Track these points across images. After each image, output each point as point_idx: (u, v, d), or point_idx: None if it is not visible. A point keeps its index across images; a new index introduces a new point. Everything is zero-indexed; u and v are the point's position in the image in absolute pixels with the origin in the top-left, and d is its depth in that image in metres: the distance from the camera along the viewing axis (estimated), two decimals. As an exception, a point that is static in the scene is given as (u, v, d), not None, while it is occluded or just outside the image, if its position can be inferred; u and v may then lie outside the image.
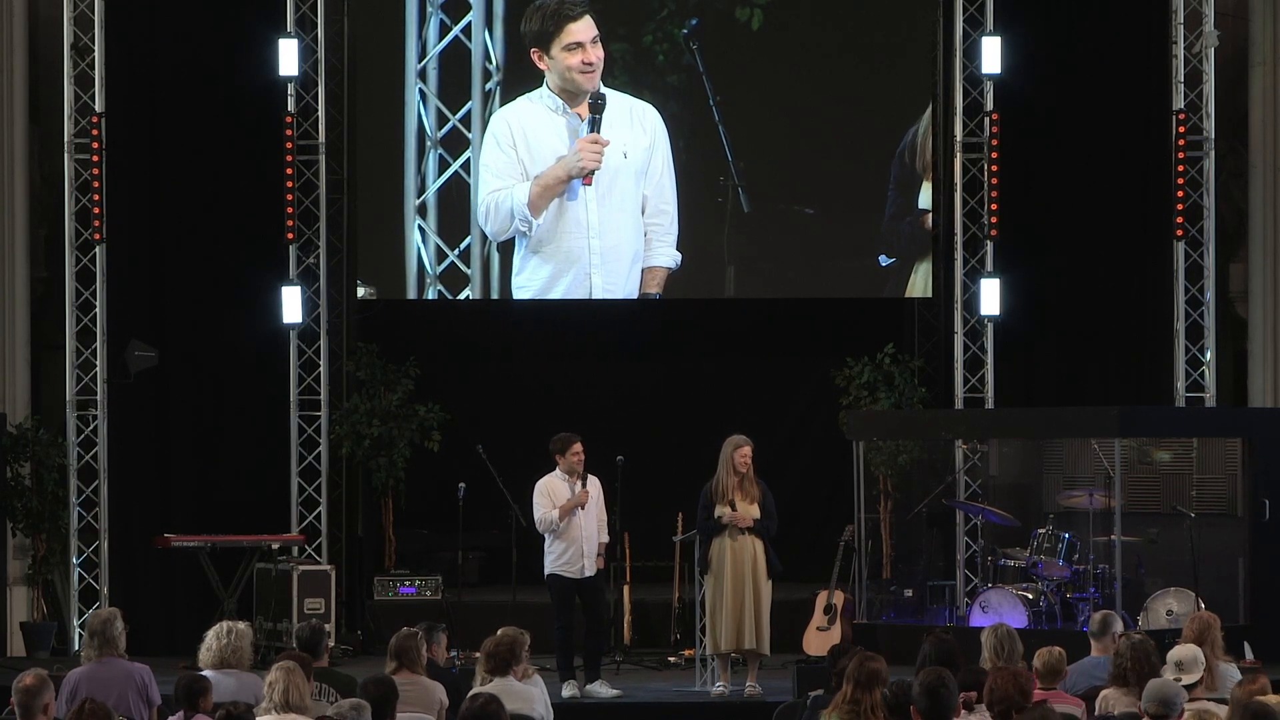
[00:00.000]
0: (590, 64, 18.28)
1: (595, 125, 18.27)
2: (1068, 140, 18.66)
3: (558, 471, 14.87)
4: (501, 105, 18.55)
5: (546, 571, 14.87)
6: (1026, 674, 8.94)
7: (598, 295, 18.47)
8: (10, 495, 17.71)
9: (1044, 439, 17.50)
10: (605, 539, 15.11)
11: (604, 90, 18.33)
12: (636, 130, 18.48)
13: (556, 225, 18.39)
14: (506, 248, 18.51)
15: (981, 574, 17.06)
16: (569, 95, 18.32)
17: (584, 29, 18.30)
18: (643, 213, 18.52)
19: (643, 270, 18.53)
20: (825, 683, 10.53)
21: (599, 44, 18.32)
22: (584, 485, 14.80)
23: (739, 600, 14.58)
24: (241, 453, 18.34)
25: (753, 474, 14.72)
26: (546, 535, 14.83)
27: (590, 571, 14.82)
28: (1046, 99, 18.55)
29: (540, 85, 18.36)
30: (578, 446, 14.82)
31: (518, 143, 18.39)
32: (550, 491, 14.80)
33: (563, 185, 18.32)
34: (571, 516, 14.73)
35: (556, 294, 18.48)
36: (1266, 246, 18.80)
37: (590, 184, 18.26)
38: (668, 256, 18.56)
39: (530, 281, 18.48)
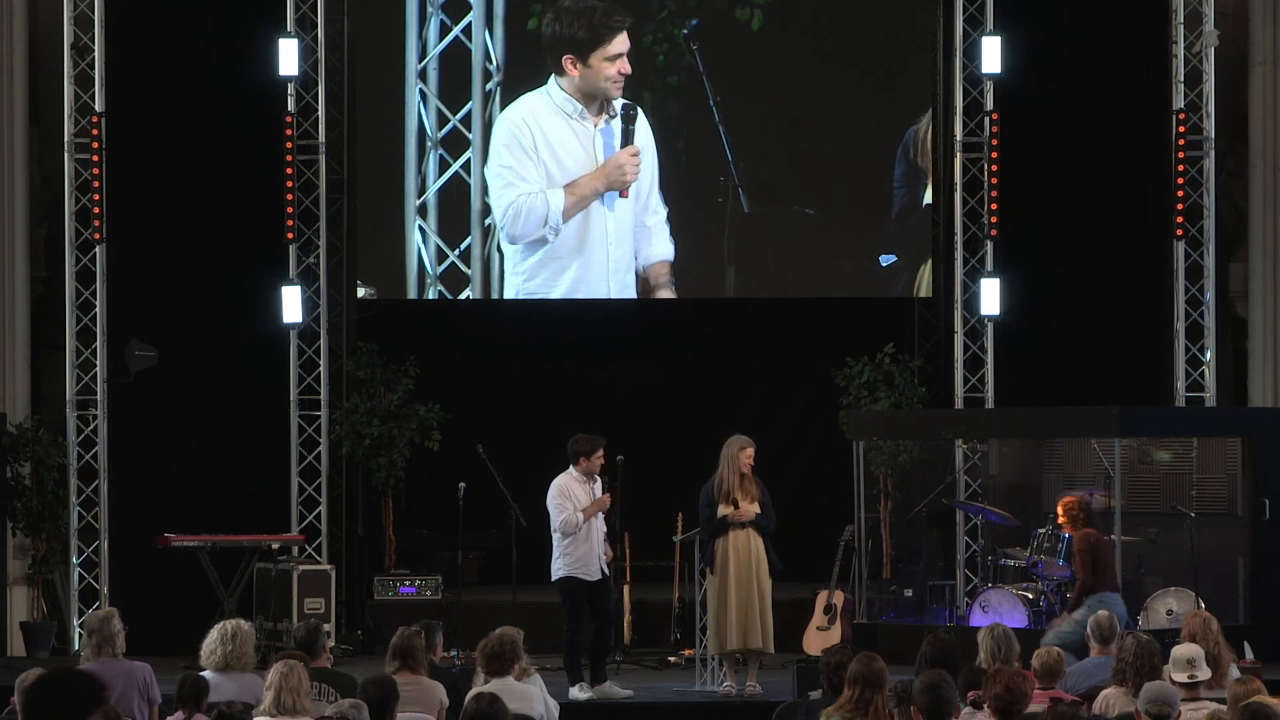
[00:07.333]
0: (625, 75, 18.31)
1: (630, 136, 18.30)
2: (1068, 140, 18.66)
3: (573, 472, 14.59)
4: (503, 105, 18.54)
5: (561, 574, 14.56)
6: (1025, 674, 8.93)
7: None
8: (10, 495, 17.71)
9: (1044, 439, 17.50)
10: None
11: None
12: (643, 137, 18.52)
13: (582, 234, 18.38)
14: (509, 248, 18.51)
15: (981, 574, 17.05)
16: (588, 100, 18.31)
17: (624, 42, 18.32)
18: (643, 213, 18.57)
19: (648, 267, 18.54)
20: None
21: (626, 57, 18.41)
22: (605, 489, 14.67)
23: (744, 599, 14.55)
24: (241, 452, 18.33)
25: (752, 473, 14.70)
26: (562, 538, 14.53)
27: (606, 572, 14.69)
28: (1046, 99, 18.54)
29: (543, 83, 18.37)
30: (603, 451, 14.64)
31: (539, 146, 18.35)
32: (570, 493, 14.54)
33: (597, 195, 18.33)
34: (592, 519, 14.57)
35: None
36: (1266, 246, 18.80)
37: (627, 196, 18.28)
38: (668, 250, 18.57)
39: (546, 287, 18.47)
